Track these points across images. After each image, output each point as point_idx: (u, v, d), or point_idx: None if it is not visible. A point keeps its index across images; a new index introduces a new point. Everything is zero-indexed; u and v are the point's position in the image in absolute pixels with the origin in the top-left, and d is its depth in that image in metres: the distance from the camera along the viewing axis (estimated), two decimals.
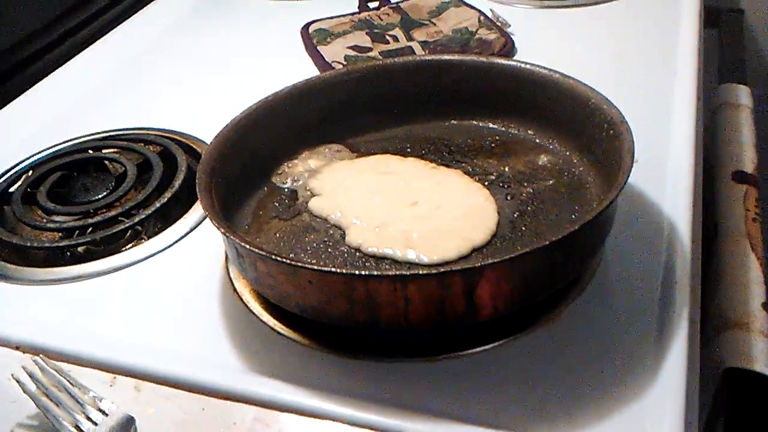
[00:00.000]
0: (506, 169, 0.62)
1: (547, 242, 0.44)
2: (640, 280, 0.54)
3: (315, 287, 0.46)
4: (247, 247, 0.47)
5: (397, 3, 0.95)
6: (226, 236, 0.49)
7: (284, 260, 0.45)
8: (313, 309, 0.47)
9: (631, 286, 0.54)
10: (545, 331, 0.50)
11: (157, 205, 0.65)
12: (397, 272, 0.43)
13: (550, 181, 0.60)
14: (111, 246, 0.64)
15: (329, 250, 0.56)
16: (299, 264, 0.45)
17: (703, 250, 0.59)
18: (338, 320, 0.47)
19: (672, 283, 0.53)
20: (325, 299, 0.46)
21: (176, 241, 0.63)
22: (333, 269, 0.44)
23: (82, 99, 0.85)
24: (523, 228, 0.56)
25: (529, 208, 0.58)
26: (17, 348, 0.53)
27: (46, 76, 0.87)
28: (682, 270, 0.55)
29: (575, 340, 0.50)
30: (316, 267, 0.45)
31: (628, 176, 0.48)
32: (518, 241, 0.55)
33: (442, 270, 0.43)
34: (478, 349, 0.49)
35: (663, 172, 0.63)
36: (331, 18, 0.93)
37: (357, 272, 0.44)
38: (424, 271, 0.43)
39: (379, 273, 0.44)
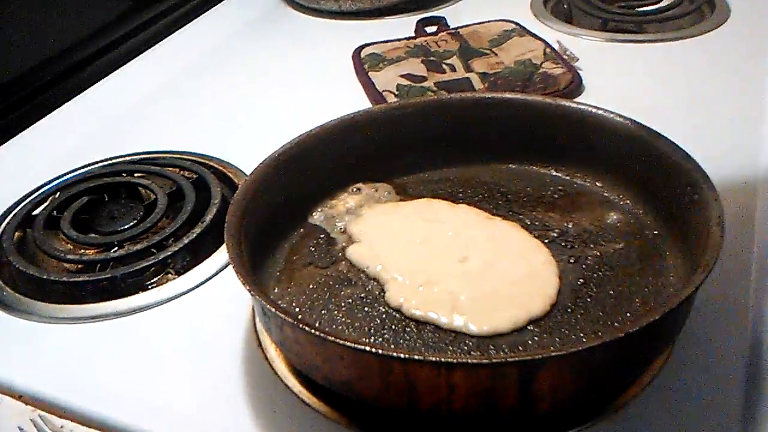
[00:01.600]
0: (570, 225, 0.56)
1: (622, 334, 0.37)
2: (720, 368, 0.47)
3: (346, 363, 0.40)
4: (274, 310, 0.42)
5: (456, 29, 0.89)
6: (252, 295, 0.43)
7: (313, 331, 0.40)
8: (343, 384, 0.42)
9: (709, 374, 0.47)
10: (608, 426, 0.44)
11: (187, 240, 0.61)
12: (441, 358, 0.37)
13: (620, 245, 0.53)
14: (135, 281, 0.59)
15: (366, 308, 0.51)
16: (330, 337, 0.39)
17: None
18: (370, 400, 0.41)
19: (759, 377, 0.46)
20: (356, 376, 0.41)
21: (204, 281, 0.58)
22: (367, 348, 0.38)
23: (115, 119, 0.81)
24: (588, 300, 0.49)
25: (595, 275, 0.51)
26: (20, 398, 0.48)
27: (80, 93, 0.83)
28: None
29: None
30: (348, 342, 0.39)
31: (718, 256, 0.41)
32: (582, 315, 0.48)
33: (495, 360, 0.37)
34: None
35: (749, 240, 0.56)
36: (386, 42, 0.88)
37: (394, 354, 0.38)
38: (474, 361, 0.37)
39: (421, 357, 0.38)
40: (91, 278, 0.59)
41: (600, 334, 0.46)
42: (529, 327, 0.48)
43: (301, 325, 0.40)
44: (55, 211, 0.66)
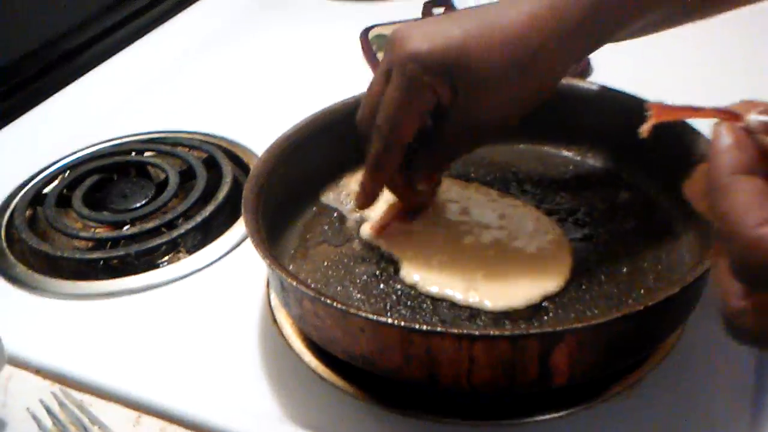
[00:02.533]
0: (582, 204, 0.56)
1: (641, 308, 0.37)
2: (731, 346, 0.47)
3: (367, 336, 0.41)
4: (294, 284, 0.42)
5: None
6: (272, 268, 0.44)
7: (335, 304, 0.40)
8: (362, 358, 0.42)
9: (722, 350, 0.47)
10: (623, 400, 0.44)
11: (198, 219, 0.61)
12: (464, 330, 0.37)
13: (632, 223, 0.54)
14: (146, 259, 0.59)
15: (381, 285, 0.51)
16: (352, 310, 0.40)
17: None
18: (390, 373, 0.42)
19: None
20: (377, 350, 0.41)
21: (216, 260, 0.59)
22: (389, 320, 0.39)
23: (125, 97, 0.81)
24: (602, 277, 0.49)
25: (607, 252, 0.51)
26: (37, 372, 0.49)
27: (90, 70, 0.82)
28: None
29: (656, 412, 0.44)
30: (370, 315, 0.39)
31: None
32: (596, 292, 0.48)
33: (516, 332, 0.38)
34: (547, 417, 0.43)
35: None
36: (393, 23, 0.87)
37: (417, 326, 0.38)
38: (496, 332, 0.37)
39: (443, 329, 0.38)
40: (103, 255, 0.59)
41: (614, 310, 0.46)
42: (543, 303, 0.48)
43: (322, 298, 0.40)
44: (65, 189, 0.66)
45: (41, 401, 0.44)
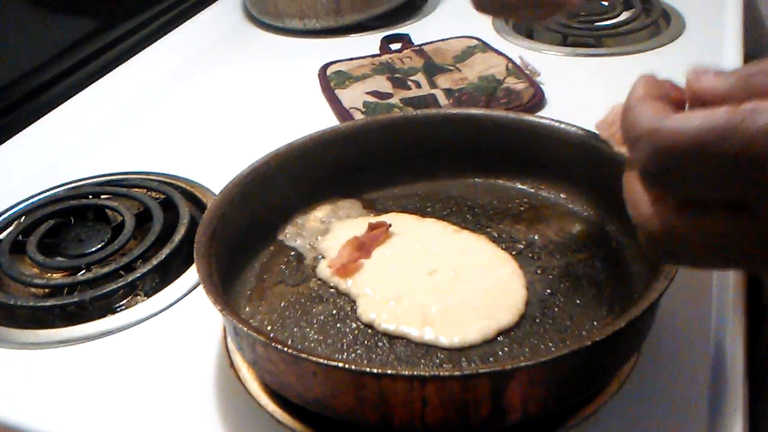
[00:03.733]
0: (536, 237, 0.57)
1: (589, 343, 0.38)
2: (686, 372, 0.48)
3: (320, 380, 0.40)
4: (245, 329, 0.42)
5: (420, 46, 0.90)
6: (223, 314, 0.43)
7: (285, 349, 0.40)
8: (316, 402, 0.42)
9: (675, 379, 0.48)
10: None
11: (155, 261, 0.60)
12: (414, 372, 0.38)
13: (585, 254, 0.54)
14: (103, 303, 0.59)
15: (338, 324, 0.51)
16: (303, 355, 0.39)
17: (752, 334, 0.53)
18: (345, 416, 0.42)
19: (723, 379, 0.47)
20: (330, 393, 0.41)
21: (174, 302, 0.58)
22: (340, 364, 0.38)
23: (81, 140, 0.81)
24: (555, 309, 0.50)
25: (561, 285, 0.52)
26: None
27: (45, 114, 0.82)
28: (733, 362, 0.49)
29: None
30: (321, 359, 0.39)
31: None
32: (550, 325, 0.49)
33: (467, 372, 0.38)
34: None
35: None
36: (351, 60, 0.88)
37: (368, 369, 0.38)
38: (446, 373, 0.38)
39: (394, 372, 0.38)
40: (59, 302, 0.58)
41: (567, 343, 0.47)
42: (499, 338, 0.48)
43: (273, 344, 0.40)
44: (20, 236, 0.65)
45: None
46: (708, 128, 0.28)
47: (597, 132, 0.45)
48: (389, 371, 0.38)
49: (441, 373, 0.37)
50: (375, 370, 0.38)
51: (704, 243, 0.31)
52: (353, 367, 0.38)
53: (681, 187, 0.30)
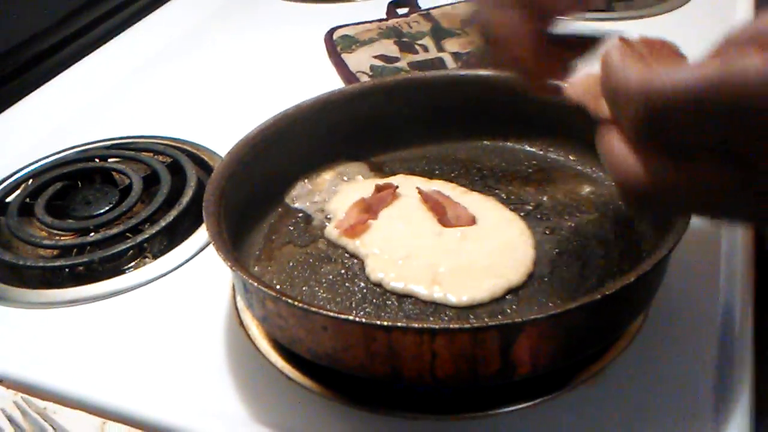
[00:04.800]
0: (545, 198, 0.57)
1: (599, 297, 0.38)
2: (694, 330, 0.48)
3: (330, 334, 0.41)
4: (256, 284, 0.42)
5: (427, 10, 0.90)
6: (234, 270, 0.44)
7: (296, 303, 0.40)
8: (327, 356, 0.42)
9: (684, 338, 0.48)
10: (587, 390, 0.45)
11: (163, 223, 0.60)
12: (424, 325, 0.38)
13: (594, 215, 0.54)
14: (112, 265, 0.59)
15: (347, 284, 0.51)
16: (313, 309, 0.40)
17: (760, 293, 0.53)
18: (355, 370, 0.42)
19: (731, 337, 0.47)
20: (340, 347, 0.41)
21: (182, 264, 0.58)
22: (351, 317, 0.39)
23: (88, 104, 0.81)
24: (564, 268, 0.50)
25: (570, 245, 0.52)
26: (0, 382, 0.48)
27: (52, 78, 0.82)
28: (742, 320, 0.49)
29: (620, 401, 0.44)
30: (332, 313, 0.39)
31: (689, 219, 0.42)
32: (558, 284, 0.49)
33: (476, 325, 0.38)
34: (511, 408, 0.44)
35: None
36: (357, 24, 0.88)
37: (378, 322, 0.39)
38: (456, 325, 0.38)
39: (404, 324, 0.38)
40: (68, 263, 0.58)
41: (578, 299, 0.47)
42: (507, 296, 0.48)
43: (283, 298, 0.40)
44: (28, 198, 0.65)
45: (3, 410, 0.43)
46: (703, 78, 0.28)
47: (567, 95, 0.42)
48: (399, 324, 0.38)
49: (451, 326, 0.37)
50: (385, 323, 0.38)
51: (698, 192, 0.31)
52: (363, 320, 0.39)
53: (675, 141, 0.31)
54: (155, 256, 0.59)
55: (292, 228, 0.57)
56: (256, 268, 0.53)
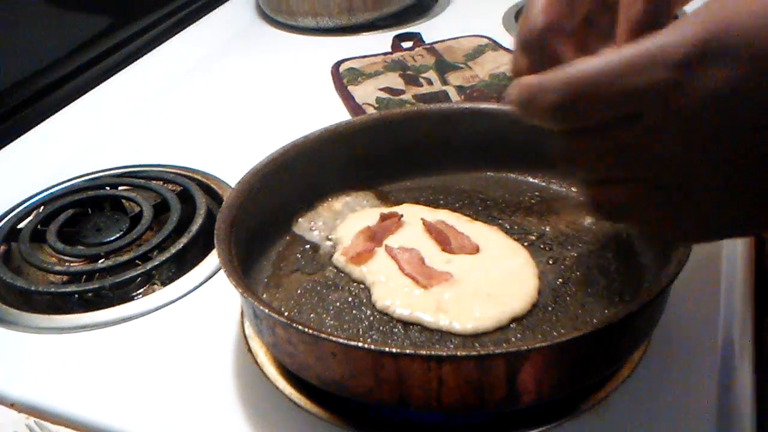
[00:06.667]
0: (547, 229, 0.58)
1: (602, 326, 0.39)
2: (695, 358, 0.49)
3: (339, 360, 0.41)
4: (266, 311, 0.43)
5: (431, 44, 0.92)
6: (244, 297, 0.45)
7: (306, 330, 0.41)
8: (335, 383, 0.43)
9: (685, 365, 0.49)
10: (591, 418, 0.45)
11: (173, 250, 0.61)
12: (432, 352, 0.39)
13: (596, 246, 0.55)
14: (121, 292, 0.60)
15: (354, 311, 0.52)
16: (323, 335, 0.41)
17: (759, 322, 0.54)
18: (362, 397, 0.43)
19: (732, 366, 0.48)
20: (349, 374, 0.42)
21: (190, 291, 0.59)
22: (360, 344, 0.40)
23: (100, 132, 0.82)
24: (567, 298, 0.51)
25: (573, 275, 0.53)
26: (12, 406, 0.49)
27: (65, 107, 0.83)
28: (742, 349, 0.49)
29: (624, 429, 0.45)
30: (341, 340, 0.40)
31: (690, 250, 0.44)
32: (562, 313, 0.50)
33: (483, 353, 0.39)
34: None
35: None
36: (363, 57, 0.90)
37: (387, 349, 0.39)
38: (463, 353, 0.39)
39: (412, 351, 0.39)
40: (78, 289, 0.59)
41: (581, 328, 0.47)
42: (511, 325, 0.49)
43: (294, 324, 0.41)
44: (40, 225, 0.66)
45: None
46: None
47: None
48: (407, 351, 0.39)
49: (458, 353, 0.38)
50: (393, 350, 0.39)
51: (606, 150, 0.35)
52: (372, 346, 0.39)
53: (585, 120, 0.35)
54: (164, 284, 0.60)
55: (299, 255, 0.58)
56: (264, 296, 0.54)
